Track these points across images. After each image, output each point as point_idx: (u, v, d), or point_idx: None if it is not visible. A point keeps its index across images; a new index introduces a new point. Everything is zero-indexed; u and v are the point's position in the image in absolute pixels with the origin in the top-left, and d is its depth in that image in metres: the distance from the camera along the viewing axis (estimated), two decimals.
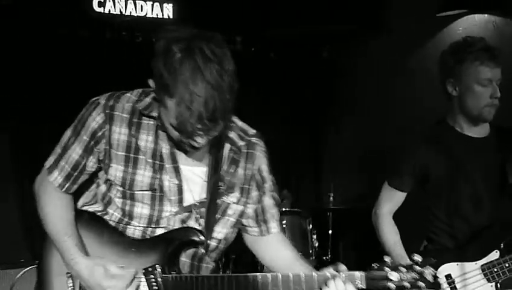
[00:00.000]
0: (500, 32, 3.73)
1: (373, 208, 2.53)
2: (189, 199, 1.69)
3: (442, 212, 2.39)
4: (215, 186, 1.69)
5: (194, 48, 1.41)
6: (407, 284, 1.55)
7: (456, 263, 2.25)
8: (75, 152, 1.68)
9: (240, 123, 1.80)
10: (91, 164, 1.69)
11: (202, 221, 1.70)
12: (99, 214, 1.71)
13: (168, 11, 4.81)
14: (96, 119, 1.65)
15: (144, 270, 1.63)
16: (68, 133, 1.71)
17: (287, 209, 4.15)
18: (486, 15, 3.88)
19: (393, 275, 1.54)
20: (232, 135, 1.74)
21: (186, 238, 1.66)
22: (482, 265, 2.23)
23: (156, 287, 1.63)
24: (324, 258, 4.20)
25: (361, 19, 4.87)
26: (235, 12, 4.90)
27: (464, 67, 2.25)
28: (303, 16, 4.87)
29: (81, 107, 1.76)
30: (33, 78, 4.42)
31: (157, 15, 4.76)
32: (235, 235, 1.84)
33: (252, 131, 1.81)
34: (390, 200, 2.47)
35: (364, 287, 1.57)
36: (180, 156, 1.68)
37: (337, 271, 1.55)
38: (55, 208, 1.72)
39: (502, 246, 2.23)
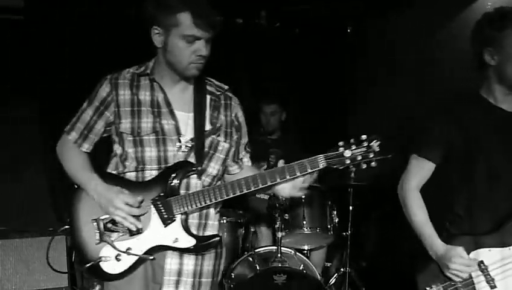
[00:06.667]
0: None
1: (399, 181, 2.42)
2: (185, 138, 2.13)
3: (463, 191, 2.30)
4: (200, 127, 2.14)
5: None
6: (359, 158, 1.92)
7: (488, 249, 2.16)
8: (88, 115, 2.18)
9: (216, 82, 2.30)
10: (99, 127, 2.18)
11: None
12: (121, 175, 2.17)
13: None
14: (105, 89, 2.16)
15: (151, 201, 2.07)
16: (84, 104, 2.21)
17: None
18: None
19: (346, 153, 1.92)
20: (211, 88, 2.26)
21: (182, 169, 2.09)
22: None
23: (163, 209, 2.07)
24: (344, 234, 4.17)
25: None
26: None
27: (504, 34, 2.18)
28: None
29: None
30: (60, 60, 4.47)
31: None
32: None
33: (226, 87, 2.29)
34: (419, 172, 2.36)
35: (324, 166, 1.96)
36: (173, 101, 2.16)
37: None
38: (75, 157, 2.19)
39: None
